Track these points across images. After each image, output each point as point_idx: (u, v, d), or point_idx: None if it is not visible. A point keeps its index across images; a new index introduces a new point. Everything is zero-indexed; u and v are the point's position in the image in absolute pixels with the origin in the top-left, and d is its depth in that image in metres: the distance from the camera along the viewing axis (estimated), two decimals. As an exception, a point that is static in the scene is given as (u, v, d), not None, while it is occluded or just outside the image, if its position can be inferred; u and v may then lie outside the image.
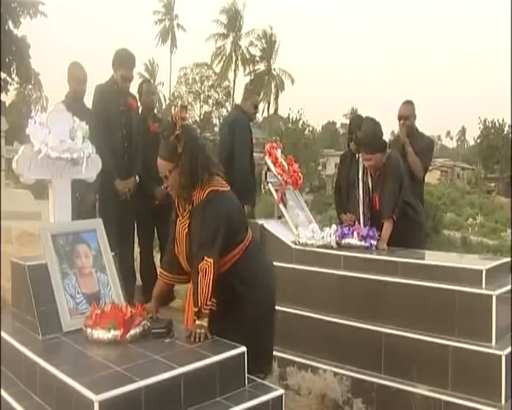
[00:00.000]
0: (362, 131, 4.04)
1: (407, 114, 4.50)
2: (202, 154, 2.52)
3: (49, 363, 2.14)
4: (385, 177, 3.91)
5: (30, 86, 28.04)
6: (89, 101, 4.64)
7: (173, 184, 2.51)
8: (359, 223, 4.14)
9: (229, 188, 2.56)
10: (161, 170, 2.52)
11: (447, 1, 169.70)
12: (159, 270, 2.79)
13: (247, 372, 2.30)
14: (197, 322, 2.38)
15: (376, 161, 3.90)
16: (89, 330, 2.34)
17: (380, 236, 3.80)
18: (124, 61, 4.61)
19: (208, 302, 2.39)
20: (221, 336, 2.39)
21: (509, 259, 3.55)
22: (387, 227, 3.80)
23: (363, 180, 4.25)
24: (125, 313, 2.36)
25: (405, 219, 3.89)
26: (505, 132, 40.45)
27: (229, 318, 2.47)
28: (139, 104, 4.91)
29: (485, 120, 41.48)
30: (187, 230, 2.52)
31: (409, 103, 4.59)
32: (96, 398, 1.84)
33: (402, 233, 3.80)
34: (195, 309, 2.39)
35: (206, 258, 2.38)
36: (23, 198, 6.36)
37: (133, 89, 4.89)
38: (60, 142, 2.64)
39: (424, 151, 4.46)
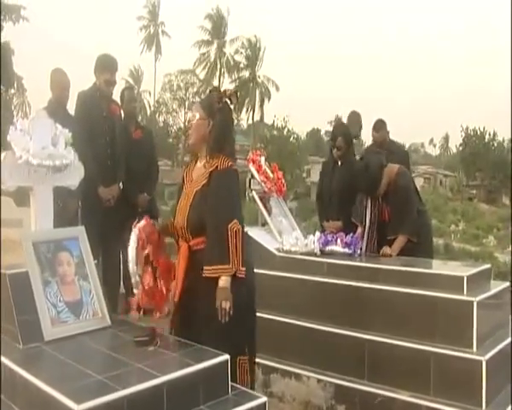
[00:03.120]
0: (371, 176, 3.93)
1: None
2: (232, 132, 2.73)
3: (29, 373, 2.11)
4: (398, 193, 3.89)
5: (13, 91, 27.77)
6: (71, 107, 4.62)
7: (195, 130, 2.65)
8: (364, 229, 4.08)
9: None
10: (194, 111, 2.68)
11: (434, 9, 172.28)
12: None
13: (231, 354, 2.30)
14: (221, 285, 2.42)
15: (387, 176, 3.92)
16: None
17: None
18: (106, 65, 4.59)
19: (241, 268, 2.46)
20: (206, 325, 2.47)
21: (489, 265, 3.60)
22: (403, 240, 3.84)
23: None
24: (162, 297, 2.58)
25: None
26: (486, 140, 41.13)
27: (211, 306, 2.48)
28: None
29: (467, 128, 42.16)
30: (199, 188, 2.59)
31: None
32: (77, 408, 1.81)
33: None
34: (229, 270, 2.42)
35: (236, 221, 2.47)
36: (4, 205, 6.27)
37: (116, 96, 4.88)
38: (41, 148, 2.61)
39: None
